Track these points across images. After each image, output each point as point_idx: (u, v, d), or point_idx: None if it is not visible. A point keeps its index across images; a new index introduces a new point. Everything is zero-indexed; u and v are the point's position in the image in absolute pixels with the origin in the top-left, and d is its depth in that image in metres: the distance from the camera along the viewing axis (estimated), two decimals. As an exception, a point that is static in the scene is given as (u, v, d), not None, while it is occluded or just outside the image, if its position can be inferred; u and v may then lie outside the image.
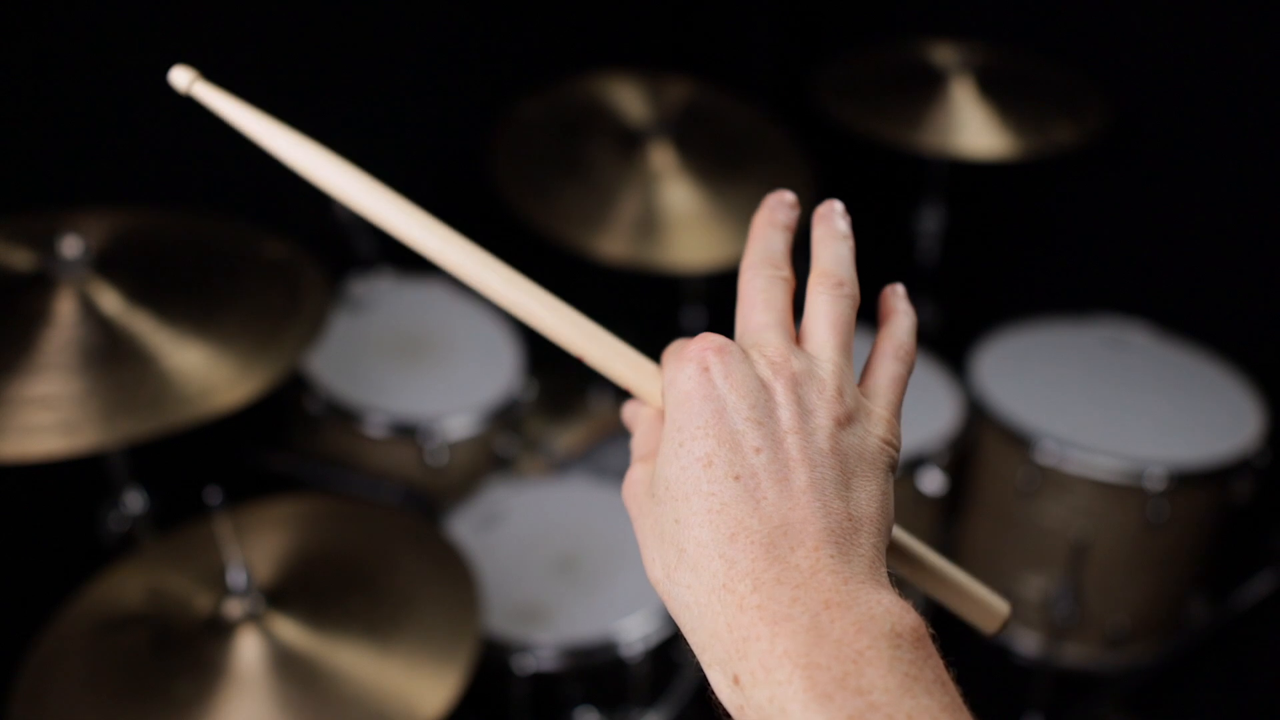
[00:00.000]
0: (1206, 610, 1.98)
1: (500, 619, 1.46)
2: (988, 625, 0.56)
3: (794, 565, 0.41)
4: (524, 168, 1.83)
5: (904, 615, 0.40)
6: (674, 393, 0.47)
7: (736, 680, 0.40)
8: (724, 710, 0.42)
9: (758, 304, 0.52)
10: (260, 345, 1.21)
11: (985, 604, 0.55)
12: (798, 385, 0.47)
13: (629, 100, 1.95)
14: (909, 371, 0.51)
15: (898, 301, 0.54)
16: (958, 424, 1.83)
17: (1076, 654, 1.93)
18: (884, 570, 0.44)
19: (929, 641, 0.41)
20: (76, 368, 1.12)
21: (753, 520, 0.42)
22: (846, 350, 0.50)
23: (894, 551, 0.53)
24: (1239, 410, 1.85)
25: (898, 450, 0.48)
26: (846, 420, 0.47)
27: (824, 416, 0.46)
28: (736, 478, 0.44)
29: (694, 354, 0.47)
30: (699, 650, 0.43)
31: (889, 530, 0.46)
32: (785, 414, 0.45)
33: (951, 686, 0.40)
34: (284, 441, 1.76)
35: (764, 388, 0.46)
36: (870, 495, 0.45)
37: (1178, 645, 1.94)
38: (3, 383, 1.09)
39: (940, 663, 0.40)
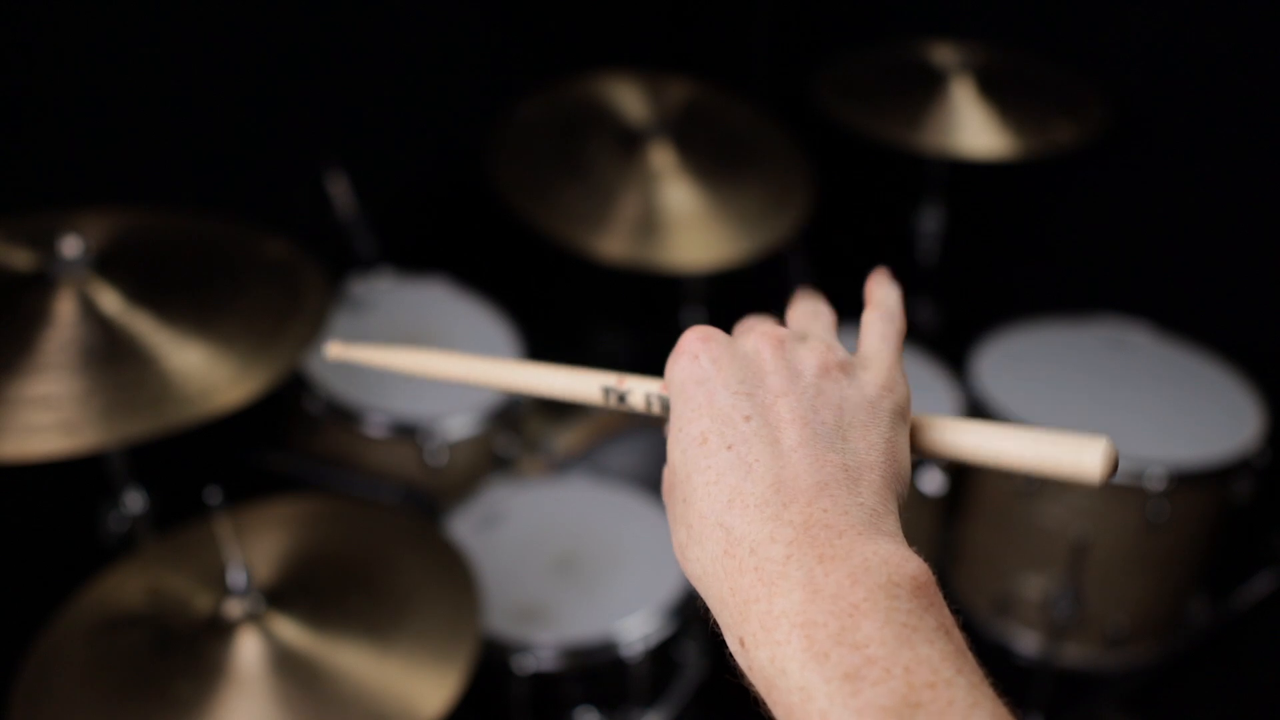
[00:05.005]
0: (1206, 610, 1.98)
1: (500, 619, 1.46)
2: (1088, 473, 0.46)
3: (787, 521, 0.42)
4: (524, 168, 1.83)
5: (902, 564, 0.40)
6: (673, 388, 0.49)
7: (742, 643, 0.41)
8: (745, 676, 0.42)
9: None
10: (260, 345, 1.21)
11: (1073, 454, 0.46)
12: (785, 349, 0.48)
13: (629, 100, 1.95)
14: (900, 330, 0.53)
15: (882, 279, 0.56)
16: (958, 424, 1.83)
17: (1076, 654, 1.93)
18: (891, 517, 0.44)
19: (931, 589, 0.40)
20: (76, 368, 1.12)
21: (746, 484, 0.43)
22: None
23: (945, 439, 0.50)
24: (1239, 410, 1.84)
25: (901, 396, 0.49)
26: (840, 373, 0.48)
27: (814, 373, 0.47)
28: (729, 447, 0.45)
29: (683, 346, 0.49)
30: (715, 616, 0.43)
31: (900, 476, 0.46)
32: (775, 380, 0.47)
33: (956, 633, 0.40)
34: (284, 441, 1.76)
35: (751, 360, 0.48)
36: (871, 444, 0.46)
37: (1178, 645, 1.94)
38: (3, 383, 1.09)
39: (944, 609, 0.40)
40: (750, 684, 0.41)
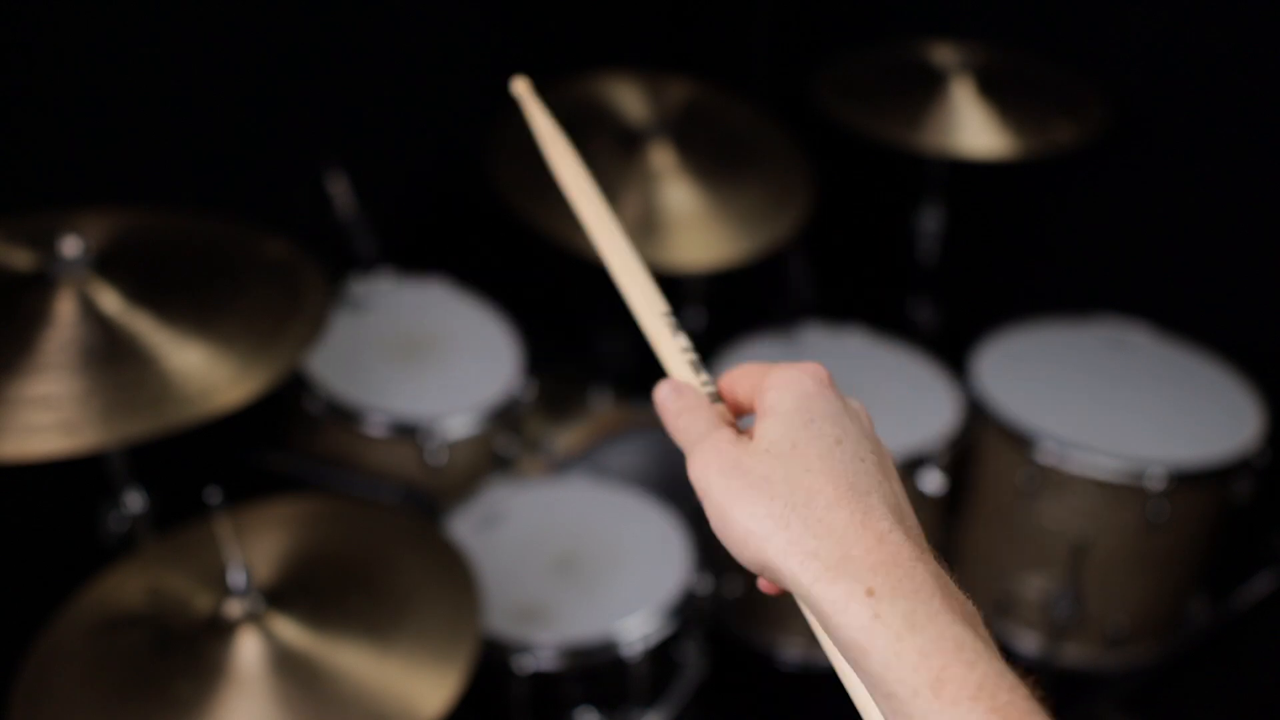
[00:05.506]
0: (1206, 610, 1.98)
1: (500, 619, 1.46)
2: None
3: (911, 526, 0.52)
4: (524, 168, 1.83)
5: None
6: (798, 388, 0.56)
7: (871, 592, 0.48)
8: (835, 622, 0.49)
9: None
10: (260, 345, 1.21)
11: None
12: (873, 431, 0.59)
13: (629, 100, 1.95)
14: None
15: None
16: (958, 424, 1.83)
17: (1076, 654, 1.93)
18: None
19: None
20: (76, 368, 1.12)
21: (885, 487, 0.54)
22: None
23: None
24: (1239, 410, 1.85)
25: None
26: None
27: (881, 455, 0.58)
28: (861, 459, 0.54)
29: (813, 370, 0.58)
30: (823, 569, 0.50)
31: None
32: (871, 442, 0.57)
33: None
34: (284, 441, 1.76)
35: (859, 417, 0.58)
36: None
37: (1178, 645, 1.94)
38: (3, 383, 1.09)
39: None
40: (810, 614, 0.51)
